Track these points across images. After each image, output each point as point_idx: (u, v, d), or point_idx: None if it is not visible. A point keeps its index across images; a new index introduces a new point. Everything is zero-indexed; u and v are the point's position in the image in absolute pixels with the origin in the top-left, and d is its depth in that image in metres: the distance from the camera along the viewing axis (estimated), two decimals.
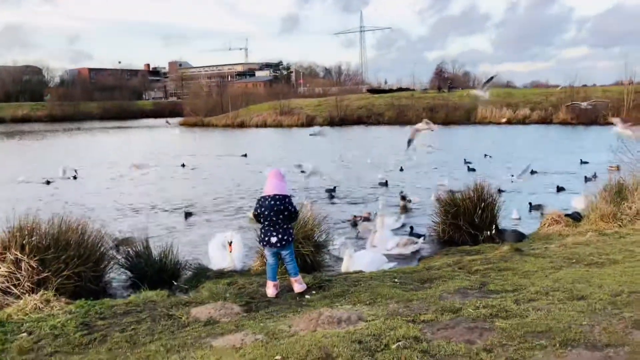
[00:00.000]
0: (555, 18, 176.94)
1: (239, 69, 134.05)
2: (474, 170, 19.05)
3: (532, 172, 18.09)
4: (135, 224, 11.22)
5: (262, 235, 5.42)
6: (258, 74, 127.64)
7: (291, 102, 59.82)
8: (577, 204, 10.80)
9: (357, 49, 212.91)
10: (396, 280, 5.72)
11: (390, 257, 8.32)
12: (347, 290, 5.39)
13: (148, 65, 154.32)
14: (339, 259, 8.29)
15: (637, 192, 9.43)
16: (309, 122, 52.28)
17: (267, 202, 5.34)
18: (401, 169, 19.67)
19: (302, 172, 16.77)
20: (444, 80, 73.06)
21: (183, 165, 22.04)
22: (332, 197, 14.50)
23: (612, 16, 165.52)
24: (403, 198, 13.17)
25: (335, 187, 15.07)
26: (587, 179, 15.55)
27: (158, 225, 11.57)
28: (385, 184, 16.13)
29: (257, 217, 5.45)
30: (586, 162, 19.66)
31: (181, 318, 4.77)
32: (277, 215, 5.32)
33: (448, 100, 54.01)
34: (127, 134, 49.63)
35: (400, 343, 3.60)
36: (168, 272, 7.36)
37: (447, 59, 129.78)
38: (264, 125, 54.93)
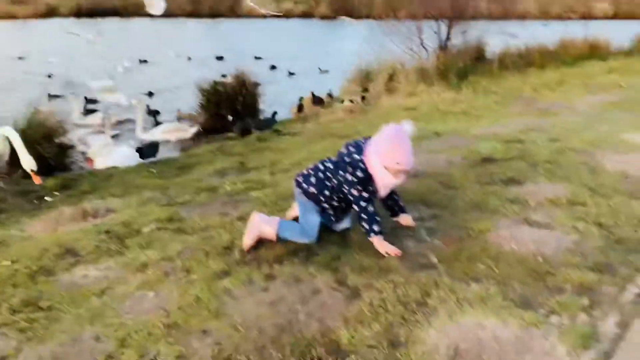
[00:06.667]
0: None
1: None
2: (221, 58, 18.51)
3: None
4: None
5: None
6: None
7: None
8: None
9: None
10: (153, 170, 5.38)
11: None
12: (97, 186, 4.87)
13: None
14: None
15: (380, 75, 10.59)
16: (50, 13, 44.80)
17: None
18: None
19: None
20: None
21: None
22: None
23: None
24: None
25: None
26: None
27: None
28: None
29: None
30: (221, 58, 18.75)
31: None
32: None
33: None
34: None
35: (152, 225, 3.37)
36: None
37: None
38: None
